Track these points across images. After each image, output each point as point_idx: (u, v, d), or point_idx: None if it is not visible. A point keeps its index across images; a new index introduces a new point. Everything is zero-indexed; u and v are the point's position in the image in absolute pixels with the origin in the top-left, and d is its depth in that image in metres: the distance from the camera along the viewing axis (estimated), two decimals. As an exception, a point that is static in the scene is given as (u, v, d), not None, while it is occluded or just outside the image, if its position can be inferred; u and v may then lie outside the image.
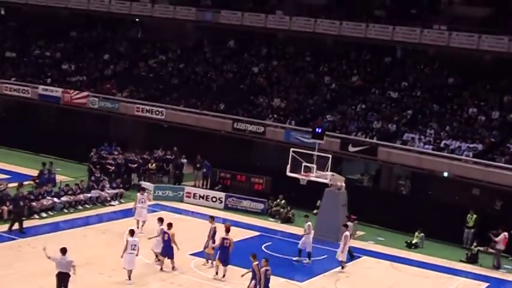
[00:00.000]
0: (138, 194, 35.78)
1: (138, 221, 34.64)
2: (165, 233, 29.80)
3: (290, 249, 33.99)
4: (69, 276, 25.21)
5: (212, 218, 31.99)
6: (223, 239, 29.75)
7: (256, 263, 26.63)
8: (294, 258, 33.25)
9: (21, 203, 34.20)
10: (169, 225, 30.07)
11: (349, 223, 35.33)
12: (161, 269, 29.86)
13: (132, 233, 28.63)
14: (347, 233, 32.80)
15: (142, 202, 35.27)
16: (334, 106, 49.49)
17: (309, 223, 33.58)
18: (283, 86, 52.61)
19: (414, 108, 47.50)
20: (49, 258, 25.18)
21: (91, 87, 54.61)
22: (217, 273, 29.68)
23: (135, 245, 28.07)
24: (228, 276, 29.31)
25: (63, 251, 25.19)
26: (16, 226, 33.21)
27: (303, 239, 33.47)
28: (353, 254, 34.35)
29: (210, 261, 30.90)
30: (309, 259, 33.24)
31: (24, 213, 34.37)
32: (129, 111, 52.05)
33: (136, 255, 28.24)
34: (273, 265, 29.07)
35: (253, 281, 26.49)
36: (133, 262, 28.11)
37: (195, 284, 28.69)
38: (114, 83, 55.14)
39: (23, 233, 32.88)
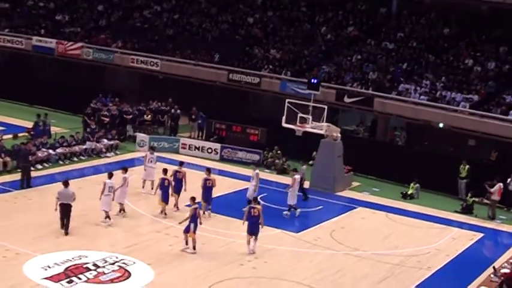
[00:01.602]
0: (148, 153, 34.93)
1: (144, 181, 33.98)
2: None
3: (285, 200, 34.02)
4: (71, 206, 26.89)
5: (181, 164, 32.48)
6: (206, 179, 30.79)
7: (196, 206, 26.88)
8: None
9: (30, 158, 34.31)
10: (165, 171, 31.11)
11: (303, 167, 35.37)
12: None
13: (110, 175, 29.07)
14: (296, 176, 32.90)
15: (151, 162, 34.30)
16: (330, 57, 49.25)
17: (257, 171, 33.24)
18: (278, 36, 52.28)
19: (410, 59, 47.29)
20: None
21: (85, 38, 54.21)
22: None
23: (111, 187, 28.73)
24: (223, 227, 29.40)
25: (66, 183, 27.08)
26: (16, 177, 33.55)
27: (252, 188, 32.49)
28: (307, 196, 34.87)
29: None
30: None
31: (30, 167, 34.32)
32: (124, 63, 51.70)
33: (113, 199, 28.92)
34: (268, 216, 29.21)
35: (192, 224, 26.66)
36: (109, 203, 28.80)
37: (191, 234, 28.78)
38: (108, 34, 54.75)
39: (30, 187, 32.99)
